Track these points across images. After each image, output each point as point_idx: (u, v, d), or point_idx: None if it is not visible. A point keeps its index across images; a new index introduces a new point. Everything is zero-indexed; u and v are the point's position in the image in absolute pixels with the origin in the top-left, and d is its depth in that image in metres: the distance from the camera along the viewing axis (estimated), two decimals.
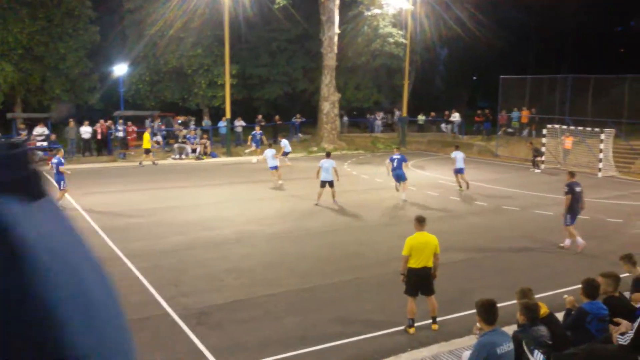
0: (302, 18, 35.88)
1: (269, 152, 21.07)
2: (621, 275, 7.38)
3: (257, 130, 28.91)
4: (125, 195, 19.13)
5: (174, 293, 10.02)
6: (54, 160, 17.04)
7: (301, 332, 8.48)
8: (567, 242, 13.06)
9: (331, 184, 17.57)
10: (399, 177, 18.33)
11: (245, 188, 20.81)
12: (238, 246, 13.05)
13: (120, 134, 29.16)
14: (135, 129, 30.48)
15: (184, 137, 29.97)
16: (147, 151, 26.64)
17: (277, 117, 35.53)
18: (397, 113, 38.89)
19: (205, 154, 29.71)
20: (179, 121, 32.34)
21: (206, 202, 18.12)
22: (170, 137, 31.74)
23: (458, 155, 19.92)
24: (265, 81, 37.87)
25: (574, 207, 12.87)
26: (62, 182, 16.78)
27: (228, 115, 30.94)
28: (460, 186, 20.19)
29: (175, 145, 29.67)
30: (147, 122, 31.23)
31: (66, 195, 17.88)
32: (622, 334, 4.26)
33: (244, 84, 37.09)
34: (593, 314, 5.77)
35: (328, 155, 18.26)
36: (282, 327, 8.70)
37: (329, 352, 7.92)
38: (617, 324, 4.47)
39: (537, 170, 25.71)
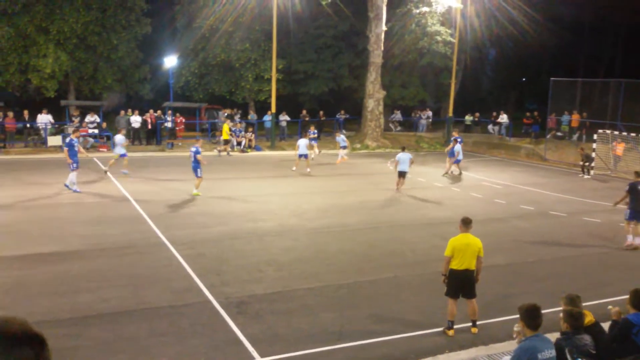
0: (350, 14, 35.82)
1: (302, 142, 22.95)
2: None
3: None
4: (172, 185, 19.59)
5: (215, 281, 10.23)
6: (193, 149, 17.97)
7: (337, 328, 8.52)
8: (630, 238, 13.52)
9: (405, 174, 19.56)
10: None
11: (288, 182, 21.00)
12: (279, 239, 13.19)
13: (169, 125, 29.80)
14: (184, 120, 31.12)
15: (230, 130, 30.39)
16: (227, 142, 28.64)
17: (321, 112, 35.64)
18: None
19: (249, 147, 30.09)
20: (225, 114, 32.82)
21: (249, 194, 18.37)
22: (216, 130, 32.29)
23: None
24: (310, 77, 38.01)
25: (634, 205, 13.44)
26: (198, 169, 17.76)
27: (273, 109, 31.22)
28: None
29: (221, 138, 30.12)
30: (221, 113, 32.93)
31: (114, 180, 18.45)
32: None
33: (289, 79, 37.33)
34: (639, 325, 5.61)
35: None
36: (319, 321, 8.76)
37: (364, 349, 7.94)
38: None
39: (586, 176, 24.97)
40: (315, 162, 25.71)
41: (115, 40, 31.01)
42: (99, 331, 8.16)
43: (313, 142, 27.33)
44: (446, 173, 23.59)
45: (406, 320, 8.92)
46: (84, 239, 12.63)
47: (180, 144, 29.80)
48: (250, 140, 30.39)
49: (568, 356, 5.21)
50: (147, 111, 30.19)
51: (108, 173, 20.61)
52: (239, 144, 29.88)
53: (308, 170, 22.81)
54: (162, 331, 8.25)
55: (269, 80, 32.23)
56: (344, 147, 26.04)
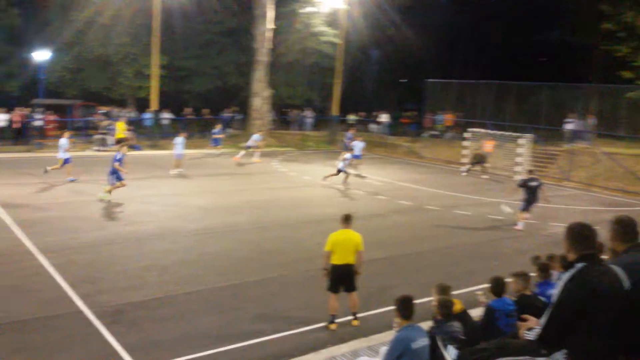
0: (236, 11, 35.44)
1: (179, 139, 22.18)
2: (532, 274, 7.77)
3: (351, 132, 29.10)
4: (40, 188, 18.15)
5: (89, 290, 9.59)
6: (117, 155, 16.91)
7: (219, 330, 8.34)
8: (520, 224, 15.63)
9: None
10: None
11: (169, 183, 20.26)
12: (159, 242, 12.68)
13: (38, 123, 27.65)
14: (56, 118, 29.06)
15: (106, 127, 28.84)
16: (120, 140, 26.63)
17: (206, 110, 34.86)
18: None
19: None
20: (101, 111, 31.09)
21: (128, 196, 17.47)
22: (91, 128, 30.45)
23: (178, 140, 21.78)
24: (194, 73, 37.09)
25: (527, 197, 15.58)
26: (114, 175, 16.68)
27: (155, 106, 30.04)
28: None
29: (97, 136, 28.49)
30: (123, 111, 31.33)
31: None
32: (530, 329, 4.44)
33: (172, 75, 36.13)
34: (500, 310, 6.07)
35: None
36: (200, 325, 8.52)
37: (248, 349, 7.83)
38: (525, 320, 4.67)
39: (483, 176, 25.60)
40: (198, 162, 25.12)
41: None
42: None
43: (215, 144, 27.60)
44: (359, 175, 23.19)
45: (291, 318, 8.93)
46: None
47: (50, 143, 27.75)
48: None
49: (440, 343, 5.46)
50: (14, 109, 27.81)
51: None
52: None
53: (178, 171, 21.77)
54: (30, 346, 7.60)
55: (150, 76, 30.99)
56: (249, 147, 26.08)
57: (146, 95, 32.82)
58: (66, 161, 19.37)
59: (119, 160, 16.62)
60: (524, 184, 15.76)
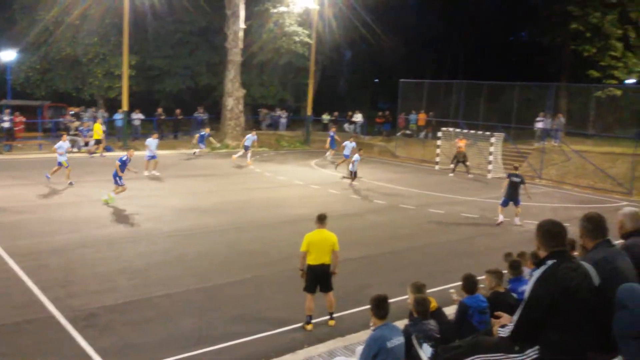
0: (208, 10, 35.14)
1: (152, 142, 21.85)
2: (504, 271, 7.90)
3: (332, 131, 29.40)
4: (10, 190, 17.74)
5: (60, 294, 9.43)
6: (123, 157, 16.89)
7: (197, 333, 8.28)
8: (501, 217, 16.13)
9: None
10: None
11: (141, 184, 19.98)
12: (133, 245, 12.52)
13: (6, 125, 27.03)
14: (24, 119, 28.46)
15: (77, 129, 28.34)
16: (98, 141, 27.00)
17: (178, 110, 34.51)
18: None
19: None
20: (72, 112, 30.53)
21: (100, 198, 17.24)
22: (61, 129, 29.87)
23: (152, 143, 21.72)
24: (166, 73, 36.67)
25: (508, 193, 16.10)
26: (117, 177, 16.71)
27: (125, 107, 29.64)
28: None
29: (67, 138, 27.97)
30: (100, 112, 31.32)
31: None
32: (503, 326, 4.51)
33: (143, 75, 35.66)
34: (473, 307, 6.15)
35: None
36: (177, 327, 8.45)
37: (225, 351, 7.80)
38: (498, 317, 4.74)
39: (469, 175, 25.60)
40: (171, 163, 24.88)
41: None
42: None
43: (201, 145, 27.62)
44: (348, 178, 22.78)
45: (268, 319, 8.91)
46: None
47: (20, 145, 27.19)
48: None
49: (415, 341, 5.51)
50: None
51: None
52: (86, 144, 27.96)
53: (152, 172, 21.56)
54: (1, 353, 7.42)
55: (120, 76, 30.53)
56: (247, 148, 25.78)
57: (117, 95, 32.35)
58: (59, 164, 19.21)
59: (124, 163, 16.71)
60: (508, 177, 16.42)
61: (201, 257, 11.98)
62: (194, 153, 28.25)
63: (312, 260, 8.50)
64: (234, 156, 26.17)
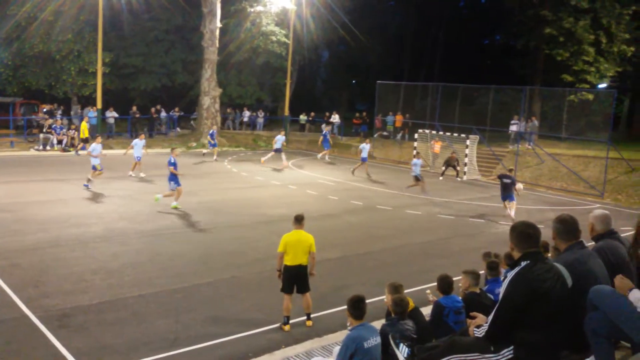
0: (184, 8, 34.87)
1: (138, 141, 21.57)
2: (481, 272, 8.00)
3: (326, 130, 29.33)
4: None
5: (33, 294, 9.26)
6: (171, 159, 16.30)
7: (172, 334, 8.20)
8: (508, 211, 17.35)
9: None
10: None
11: (116, 184, 19.76)
12: (106, 245, 12.35)
13: None
14: None
15: (50, 126, 27.87)
16: (85, 140, 26.68)
17: (153, 109, 34.19)
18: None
19: (72, 145, 27.85)
20: (44, 109, 30.00)
21: (73, 197, 16.98)
22: (33, 127, 29.37)
23: (137, 142, 21.53)
24: (141, 71, 36.26)
25: (501, 192, 17.55)
26: (172, 181, 16.40)
27: (99, 105, 29.23)
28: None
29: (41, 136, 27.52)
30: (87, 110, 30.76)
31: None
32: (478, 326, 4.58)
33: (118, 73, 35.24)
34: (449, 308, 6.22)
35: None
36: (152, 328, 8.36)
37: (201, 352, 7.74)
38: (474, 318, 4.81)
39: (458, 179, 25.72)
40: (145, 162, 24.61)
41: None
42: None
43: (212, 147, 27.40)
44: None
45: (245, 320, 8.87)
46: None
47: None
48: (72, 138, 28.13)
49: (391, 341, 5.55)
50: None
51: None
52: (59, 142, 27.51)
53: (137, 173, 21.39)
54: None
55: (94, 73, 30.11)
56: (279, 150, 25.69)
57: (91, 93, 31.90)
58: (94, 167, 18.97)
59: (174, 165, 16.26)
60: (499, 178, 17.90)
61: (177, 257, 11.87)
62: (204, 153, 28.76)
63: (288, 261, 8.50)
64: (263, 159, 26.14)
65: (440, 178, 25.66)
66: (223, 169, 24.75)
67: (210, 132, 28.27)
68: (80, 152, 26.44)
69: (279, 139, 25.93)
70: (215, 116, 33.87)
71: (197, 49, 35.36)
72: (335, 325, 8.65)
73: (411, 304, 6.15)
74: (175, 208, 16.06)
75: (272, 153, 26.13)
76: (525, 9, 33.40)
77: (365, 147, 25.48)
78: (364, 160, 25.29)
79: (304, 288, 8.67)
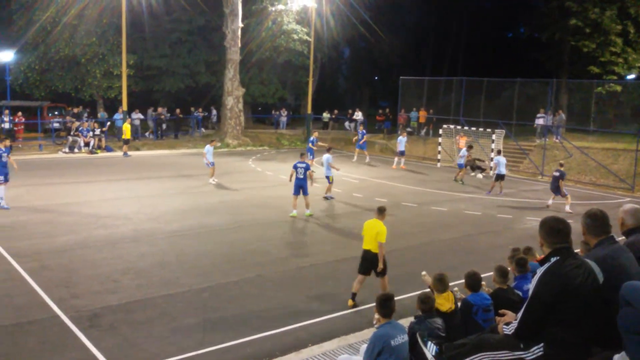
0: (206, 9, 35.12)
1: (209, 148, 20.96)
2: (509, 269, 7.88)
3: (361, 130, 29.10)
4: (11, 192, 17.72)
5: (64, 295, 9.45)
6: (302, 165, 16.35)
7: (200, 333, 8.28)
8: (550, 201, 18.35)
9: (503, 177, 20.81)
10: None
11: (142, 184, 20.02)
12: (135, 245, 12.53)
13: (6, 125, 27.05)
14: (24, 119, 28.50)
15: (77, 129, 28.37)
16: (127, 141, 27.64)
17: (177, 110, 34.56)
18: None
19: (99, 147, 28.30)
20: (72, 112, 30.55)
21: (101, 198, 17.26)
22: (61, 130, 29.96)
23: (207, 148, 20.90)
24: (164, 73, 36.66)
25: (551, 185, 18.30)
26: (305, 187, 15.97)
27: (125, 107, 29.64)
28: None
29: (69, 138, 28.03)
30: (132, 113, 31.62)
31: None
32: (507, 324, 4.51)
33: (142, 75, 35.68)
34: (477, 305, 6.11)
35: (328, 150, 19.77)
36: (180, 327, 8.45)
37: (229, 350, 7.80)
38: (503, 315, 4.74)
39: (479, 175, 25.17)
40: (171, 162, 24.87)
41: None
42: None
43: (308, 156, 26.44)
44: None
45: (271, 318, 8.90)
46: None
47: (20, 145, 27.21)
48: (100, 140, 28.59)
49: (419, 339, 5.52)
50: None
51: None
52: (87, 144, 27.98)
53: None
54: (5, 354, 7.43)
55: (119, 76, 30.53)
56: (403, 153, 26.15)
57: (116, 95, 32.36)
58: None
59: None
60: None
61: (202, 256, 11.98)
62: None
63: (363, 244, 9.45)
64: (394, 165, 26.53)
65: (472, 174, 25.33)
66: (247, 167, 24.88)
67: (311, 139, 26.06)
68: (128, 153, 27.31)
69: (401, 141, 26.21)
70: (239, 116, 34.06)
71: (219, 49, 35.59)
72: (362, 323, 8.64)
73: (451, 305, 6.09)
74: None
75: (398, 155, 26.51)
76: (549, 1, 32.83)
77: (402, 140, 25.36)
78: (401, 153, 25.19)
79: (377, 273, 9.35)
